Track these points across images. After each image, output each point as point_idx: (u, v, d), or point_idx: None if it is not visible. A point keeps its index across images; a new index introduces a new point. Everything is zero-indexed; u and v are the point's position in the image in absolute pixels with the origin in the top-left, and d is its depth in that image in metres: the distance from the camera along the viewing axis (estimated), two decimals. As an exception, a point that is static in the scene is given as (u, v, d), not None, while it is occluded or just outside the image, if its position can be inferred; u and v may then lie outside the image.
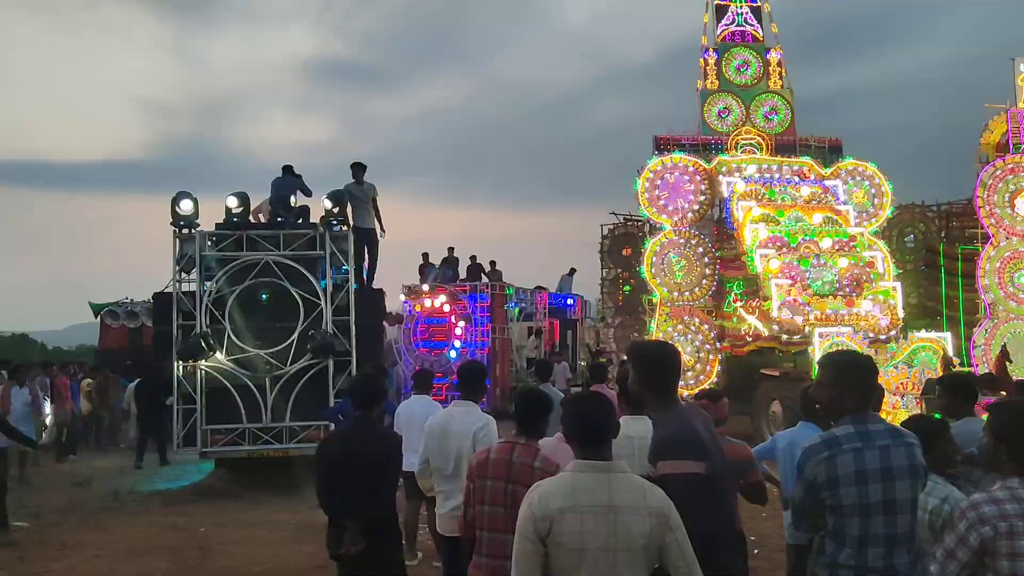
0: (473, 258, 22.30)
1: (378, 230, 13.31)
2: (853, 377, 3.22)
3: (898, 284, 14.76)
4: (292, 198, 12.44)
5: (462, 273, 21.39)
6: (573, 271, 24.77)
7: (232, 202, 11.69)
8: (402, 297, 19.70)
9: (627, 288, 21.49)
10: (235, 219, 11.72)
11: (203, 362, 11.13)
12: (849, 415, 3.18)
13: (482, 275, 21.55)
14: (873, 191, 16.95)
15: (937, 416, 4.43)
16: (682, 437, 3.08)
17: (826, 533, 3.14)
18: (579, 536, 2.65)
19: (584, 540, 2.64)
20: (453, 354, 18.77)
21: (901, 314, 14.22)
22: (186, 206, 11.32)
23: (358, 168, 13.02)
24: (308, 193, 12.70)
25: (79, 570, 7.62)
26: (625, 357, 3.66)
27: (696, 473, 2.99)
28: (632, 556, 2.64)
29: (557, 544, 2.68)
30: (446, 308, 19.23)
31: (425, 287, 19.62)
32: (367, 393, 4.91)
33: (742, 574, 3.34)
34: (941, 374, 12.50)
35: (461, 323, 19.13)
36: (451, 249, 22.07)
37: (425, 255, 21.77)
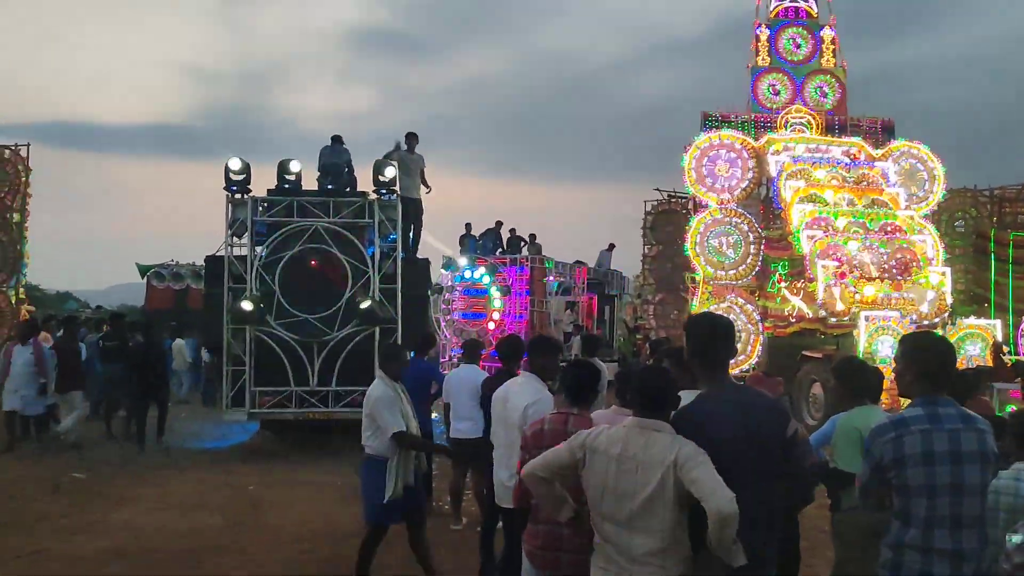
0: (512, 231, 22.34)
1: (423, 195, 13.42)
2: (925, 360, 3.24)
3: (947, 269, 14.56)
4: (343, 168, 12.56)
5: (503, 246, 21.45)
6: (612, 246, 24.72)
7: (296, 167, 11.88)
8: (442, 269, 19.81)
9: (669, 265, 21.42)
10: (287, 185, 11.89)
11: (253, 325, 11.33)
12: (919, 397, 3.21)
13: (522, 248, 21.59)
14: (925, 174, 16.66)
15: None
16: (686, 420, 3.21)
17: (893, 514, 3.18)
18: (604, 477, 3.16)
19: (607, 481, 3.15)
20: (491, 326, 18.89)
21: (949, 300, 14.04)
22: (239, 170, 11.50)
23: (411, 137, 13.13)
24: (351, 168, 12.81)
25: (137, 522, 7.87)
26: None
27: None
28: (650, 500, 3.05)
29: (587, 477, 3.24)
30: (486, 280, 19.32)
31: (463, 260, 19.69)
32: (511, 351, 6.10)
33: (771, 554, 3.32)
34: (991, 362, 12.37)
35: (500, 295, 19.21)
36: (499, 223, 22.05)
37: (468, 225, 21.83)
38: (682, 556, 3.09)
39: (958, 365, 3.52)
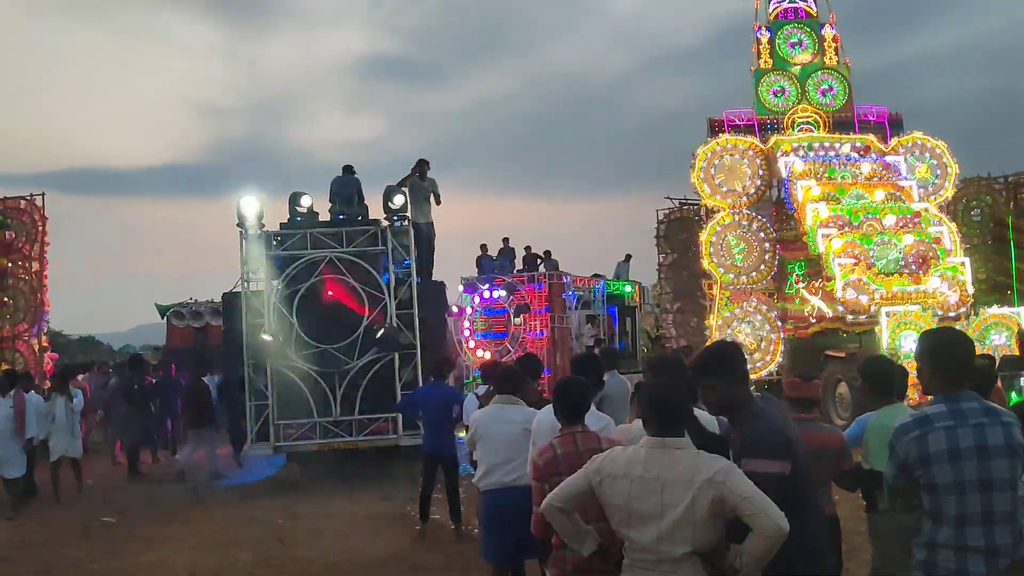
0: (528, 248, 22.33)
1: (433, 218, 13.45)
2: (943, 356, 3.20)
3: (966, 259, 14.44)
4: (354, 197, 12.63)
5: (518, 264, 21.45)
6: (629, 257, 24.61)
7: (307, 201, 12.00)
8: (460, 288, 19.80)
9: (685, 273, 21.36)
10: (299, 217, 11.98)
11: (273, 359, 11.37)
12: (941, 394, 3.17)
13: (538, 265, 21.58)
14: (936, 165, 16.56)
15: None
16: (765, 437, 3.14)
17: (923, 512, 3.14)
18: (627, 500, 3.03)
19: (631, 503, 3.02)
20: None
21: (971, 290, 13.91)
22: (251, 207, 11.59)
23: (422, 164, 13.20)
24: (362, 199, 12.89)
25: (167, 562, 7.88)
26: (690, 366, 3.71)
27: (776, 473, 3.05)
28: (679, 522, 2.94)
29: (608, 503, 3.11)
30: (504, 299, 19.29)
31: (485, 285, 19.68)
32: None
33: (832, 560, 3.37)
34: (1017, 351, 12.22)
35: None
36: (506, 240, 22.14)
37: (483, 246, 21.86)
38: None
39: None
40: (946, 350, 3.20)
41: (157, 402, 14.81)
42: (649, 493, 3.01)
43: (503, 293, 19.20)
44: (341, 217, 12.33)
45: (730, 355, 3.37)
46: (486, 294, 19.38)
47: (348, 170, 13.00)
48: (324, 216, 12.57)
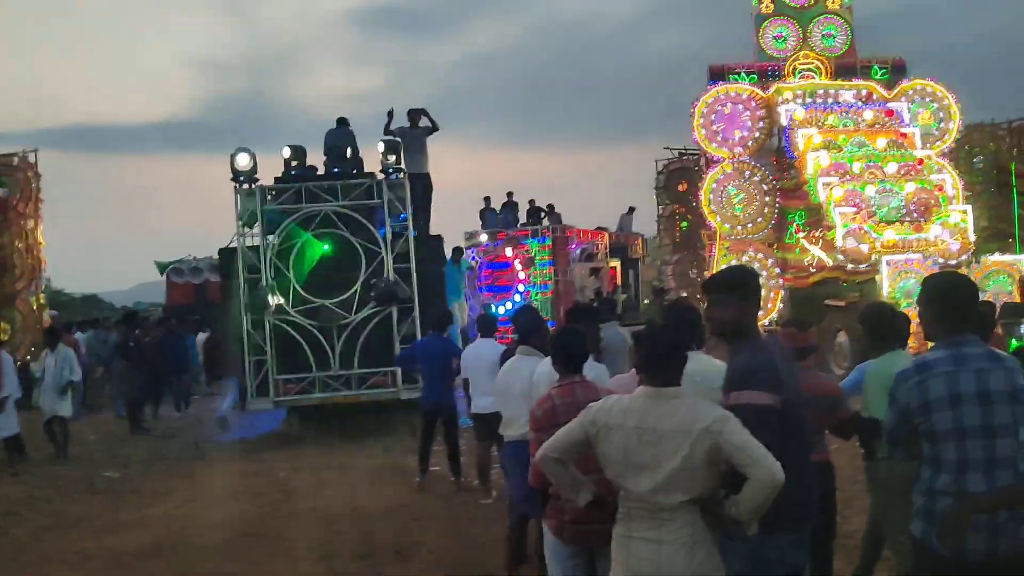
0: (532, 202, 22.22)
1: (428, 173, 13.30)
2: (945, 300, 3.14)
3: (968, 207, 14.32)
4: (347, 149, 12.51)
5: (522, 217, 21.38)
6: (632, 209, 24.44)
7: (287, 153, 11.87)
8: (464, 244, 19.74)
9: (684, 224, 21.24)
10: (293, 171, 11.87)
11: (271, 314, 11.36)
12: (943, 339, 3.12)
13: (542, 218, 21.50)
14: (940, 111, 16.32)
15: None
16: (757, 369, 3.11)
17: (924, 460, 3.11)
18: (623, 451, 2.99)
19: (628, 455, 2.98)
20: (517, 298, 18.83)
21: (972, 238, 13.83)
22: (244, 161, 11.48)
23: (414, 113, 13.04)
24: (356, 150, 12.77)
25: (173, 515, 7.93)
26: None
27: (768, 405, 3.03)
28: (676, 472, 2.91)
29: (604, 453, 3.06)
30: (509, 253, 19.26)
31: (483, 237, 19.62)
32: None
33: (815, 503, 3.34)
34: (1020, 299, 12.19)
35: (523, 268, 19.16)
36: (510, 194, 22.01)
37: (487, 199, 21.76)
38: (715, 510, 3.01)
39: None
40: (948, 295, 3.15)
41: (162, 358, 14.82)
42: (646, 444, 2.97)
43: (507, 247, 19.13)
44: (336, 170, 12.21)
45: (751, 276, 3.41)
46: (490, 247, 19.35)
47: (342, 123, 12.86)
48: (324, 169, 12.47)
